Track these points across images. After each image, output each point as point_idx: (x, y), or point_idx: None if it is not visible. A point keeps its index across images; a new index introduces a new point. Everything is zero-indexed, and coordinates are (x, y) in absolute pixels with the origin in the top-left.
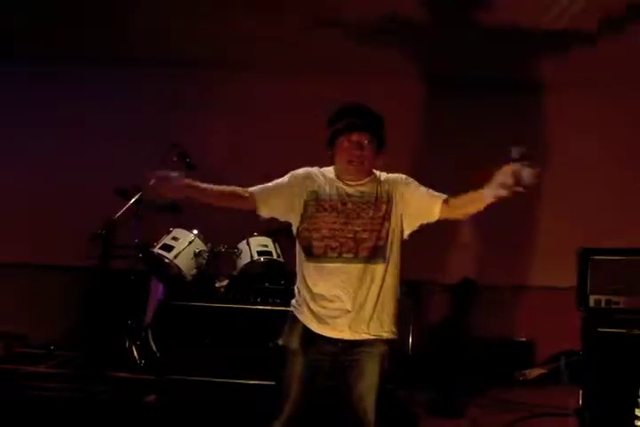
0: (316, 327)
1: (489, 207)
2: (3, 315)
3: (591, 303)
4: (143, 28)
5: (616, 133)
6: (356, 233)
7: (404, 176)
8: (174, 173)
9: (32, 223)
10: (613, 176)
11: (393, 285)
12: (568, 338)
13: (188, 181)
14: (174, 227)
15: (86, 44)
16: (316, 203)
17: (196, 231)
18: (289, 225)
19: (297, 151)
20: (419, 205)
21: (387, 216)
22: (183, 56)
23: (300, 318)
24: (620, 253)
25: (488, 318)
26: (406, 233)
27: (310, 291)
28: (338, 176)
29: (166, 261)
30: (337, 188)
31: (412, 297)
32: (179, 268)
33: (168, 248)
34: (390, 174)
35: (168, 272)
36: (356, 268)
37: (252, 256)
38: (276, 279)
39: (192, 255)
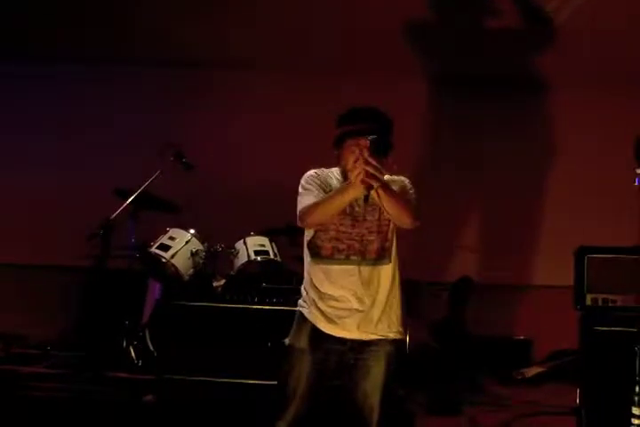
0: (324, 327)
1: (488, 207)
2: (1, 315)
3: (588, 302)
4: (143, 28)
5: (616, 133)
6: (362, 236)
7: (405, 180)
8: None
9: (32, 223)
10: (613, 176)
11: (398, 285)
12: (567, 337)
13: None
14: (171, 227)
15: (86, 44)
16: None
17: (192, 231)
18: (288, 225)
19: (297, 151)
20: None
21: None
22: (183, 56)
23: (309, 317)
24: (616, 251)
25: (487, 316)
26: None
27: (318, 291)
28: (345, 179)
29: (163, 260)
30: None
31: (410, 296)
32: (176, 267)
33: (165, 248)
34: (395, 176)
35: (165, 272)
36: (363, 270)
37: (249, 256)
38: (274, 279)
39: (189, 255)
